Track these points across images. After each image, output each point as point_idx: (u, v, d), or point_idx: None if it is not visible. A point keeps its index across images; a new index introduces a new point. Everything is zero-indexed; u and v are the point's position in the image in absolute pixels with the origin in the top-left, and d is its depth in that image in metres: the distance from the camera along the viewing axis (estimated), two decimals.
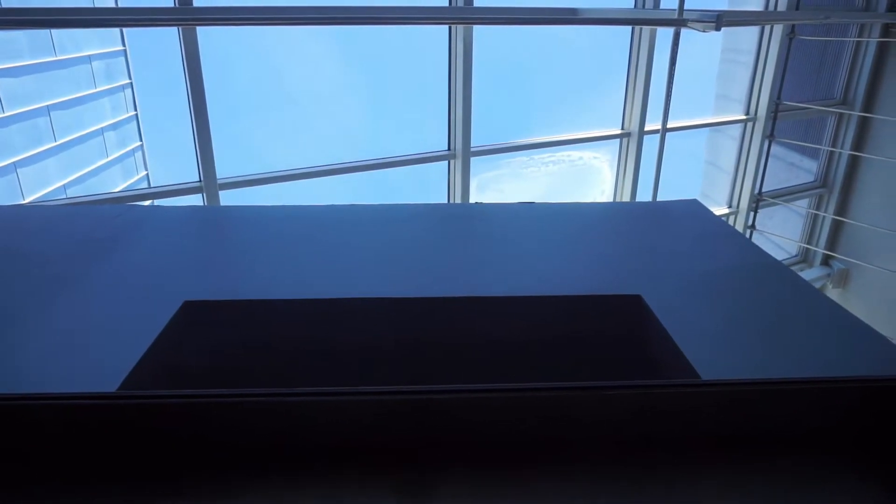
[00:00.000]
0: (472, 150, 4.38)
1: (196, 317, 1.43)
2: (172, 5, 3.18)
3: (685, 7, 3.60)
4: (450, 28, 4.15)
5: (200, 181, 3.47)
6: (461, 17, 4.00)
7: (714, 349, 1.26)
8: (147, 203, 3.79)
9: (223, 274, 1.60)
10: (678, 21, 3.62)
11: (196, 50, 3.14)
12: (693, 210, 2.36)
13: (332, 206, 2.11)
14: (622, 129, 4.98)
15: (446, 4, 3.99)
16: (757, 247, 2.04)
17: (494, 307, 1.51)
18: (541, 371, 1.58)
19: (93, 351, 1.19)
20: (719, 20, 3.37)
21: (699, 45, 6.17)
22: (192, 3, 3.00)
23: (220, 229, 2.00)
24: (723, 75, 6.50)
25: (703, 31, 3.49)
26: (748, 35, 5.88)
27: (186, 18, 2.94)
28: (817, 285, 6.92)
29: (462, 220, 2.22)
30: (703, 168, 6.81)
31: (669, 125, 4.85)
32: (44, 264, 1.57)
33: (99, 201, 3.56)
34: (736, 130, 6.01)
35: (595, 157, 5.10)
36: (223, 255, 1.75)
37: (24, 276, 1.50)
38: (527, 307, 1.53)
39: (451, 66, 4.27)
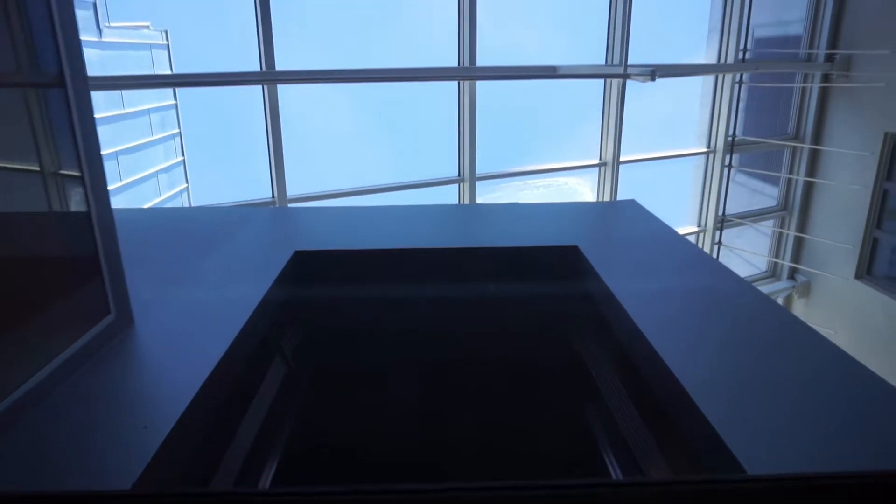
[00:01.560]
0: (477, 175, 5.36)
1: (305, 262, 2.34)
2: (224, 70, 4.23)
3: (634, 62, 4.60)
4: (459, 82, 5.19)
5: (273, 197, 4.47)
6: (468, 75, 5.03)
7: (635, 287, 1.95)
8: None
9: (320, 237, 2.54)
10: (623, 74, 4.61)
11: (276, 100, 4.18)
12: (630, 207, 3.26)
13: (381, 206, 3.06)
14: (600, 159, 5.95)
15: (456, 65, 5.04)
16: (675, 231, 2.91)
17: (468, 255, 2.38)
18: (496, 312, 2.41)
19: (230, 287, 2.00)
20: (653, 73, 4.35)
21: (688, 89, 7.17)
22: (274, 68, 4.06)
23: (305, 216, 2.95)
24: (702, 115, 7.48)
25: (643, 82, 4.46)
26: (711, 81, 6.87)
27: (270, 79, 3.98)
28: (784, 296, 7.71)
29: (464, 212, 3.18)
30: (689, 194, 7.71)
31: (639, 156, 5.80)
32: (198, 234, 2.50)
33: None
34: (702, 161, 6.94)
35: (579, 183, 6.06)
36: (314, 227, 2.70)
37: (189, 240, 2.42)
38: (493, 255, 2.40)
39: (460, 110, 5.29)
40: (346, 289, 2.39)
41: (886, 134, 6.28)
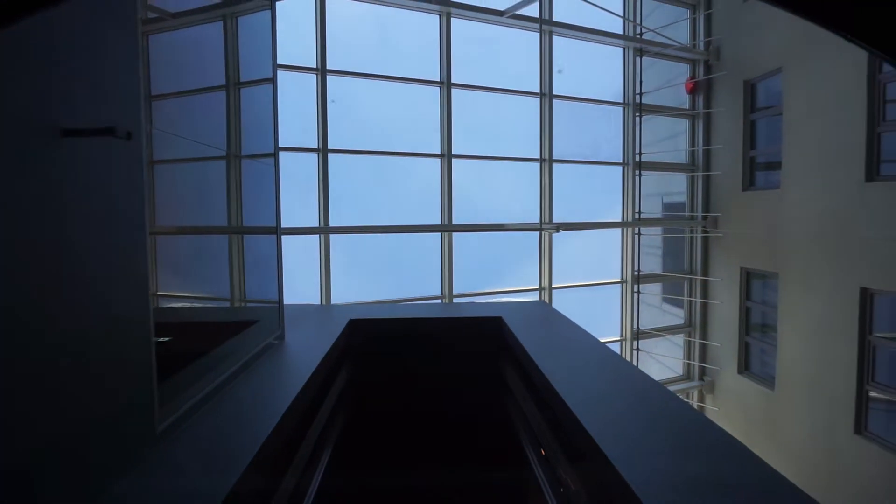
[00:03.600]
0: (454, 294, 7.36)
1: (356, 324, 4.25)
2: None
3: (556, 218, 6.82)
4: (441, 234, 7.38)
5: (322, 302, 6.40)
6: (447, 228, 7.23)
7: (547, 354, 3.94)
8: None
9: (361, 314, 4.46)
10: (539, 228, 6.80)
11: (329, 245, 6.33)
12: (539, 304, 5.22)
13: (395, 303, 5.02)
14: (539, 285, 8.01)
15: (438, 221, 7.28)
16: (562, 314, 4.83)
17: (444, 320, 4.31)
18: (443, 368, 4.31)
19: (321, 332, 3.97)
20: (558, 228, 6.53)
21: (614, 238, 9.44)
22: (329, 224, 6.23)
23: (351, 308, 4.88)
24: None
25: (553, 233, 6.62)
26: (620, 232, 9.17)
27: (324, 231, 6.17)
28: (695, 392, 9.39)
29: (442, 305, 5.13)
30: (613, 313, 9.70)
31: (566, 283, 7.88)
32: (296, 313, 4.42)
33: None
34: (619, 288, 9.03)
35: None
36: (357, 310, 4.62)
37: (291, 314, 4.33)
38: (457, 320, 4.33)
39: (443, 251, 7.42)
40: (377, 335, 4.27)
41: (741, 268, 8.45)
